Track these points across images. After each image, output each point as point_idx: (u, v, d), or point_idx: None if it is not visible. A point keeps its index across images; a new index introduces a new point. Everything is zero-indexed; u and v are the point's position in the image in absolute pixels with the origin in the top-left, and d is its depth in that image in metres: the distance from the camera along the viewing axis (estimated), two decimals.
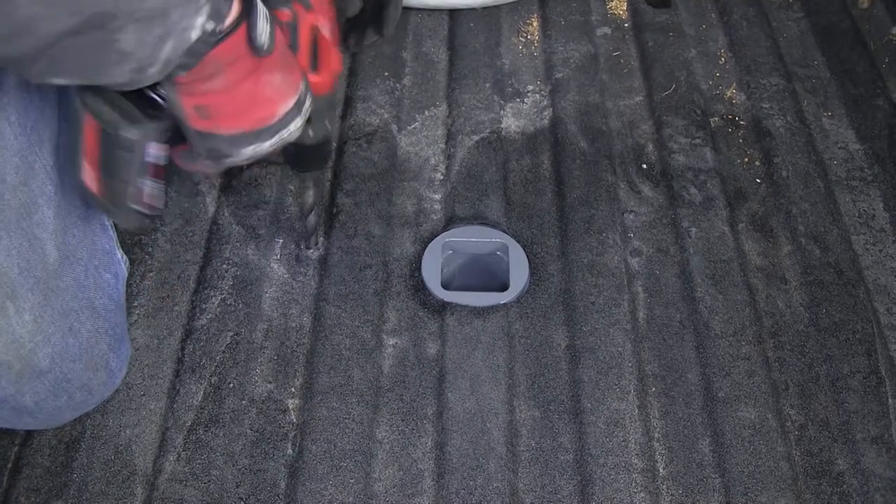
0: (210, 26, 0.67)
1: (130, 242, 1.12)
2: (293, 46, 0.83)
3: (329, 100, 0.92)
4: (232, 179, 1.21)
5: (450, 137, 1.28)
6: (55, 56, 0.60)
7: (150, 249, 1.12)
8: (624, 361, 1.03)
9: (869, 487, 0.95)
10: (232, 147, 0.78)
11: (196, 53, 0.68)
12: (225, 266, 1.11)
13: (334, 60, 0.89)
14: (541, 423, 0.99)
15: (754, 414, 0.99)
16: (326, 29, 0.88)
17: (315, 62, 0.87)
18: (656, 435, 0.98)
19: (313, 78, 0.86)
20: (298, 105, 0.80)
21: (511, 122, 1.31)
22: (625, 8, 1.51)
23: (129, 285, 1.08)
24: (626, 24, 1.48)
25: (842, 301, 1.10)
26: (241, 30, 0.71)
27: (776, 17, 1.51)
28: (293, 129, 0.81)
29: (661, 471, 0.96)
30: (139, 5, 0.59)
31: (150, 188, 0.80)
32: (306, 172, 1.03)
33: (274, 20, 0.75)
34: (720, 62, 1.43)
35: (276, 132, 0.79)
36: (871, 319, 1.08)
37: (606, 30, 1.47)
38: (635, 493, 0.93)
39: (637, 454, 0.96)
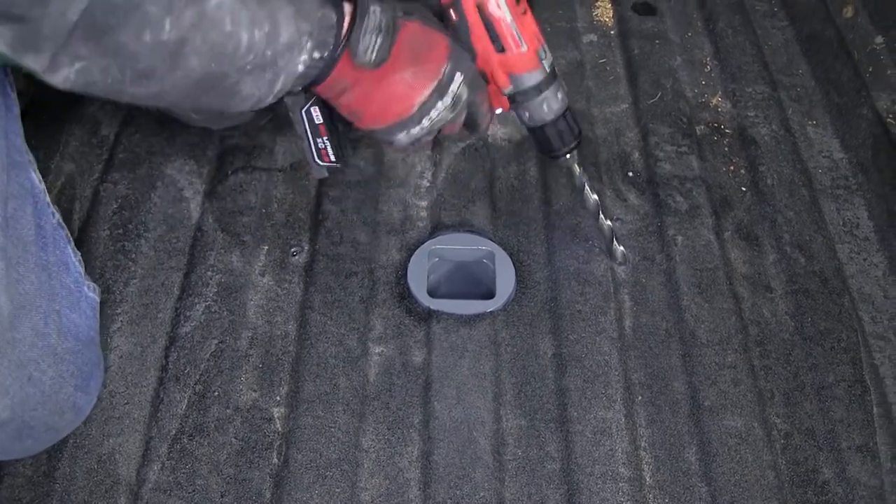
0: (316, 55, 0.81)
1: (113, 249, 1.11)
2: (461, 30, 0.92)
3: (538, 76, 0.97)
4: (217, 185, 1.20)
5: (436, 144, 1.28)
6: (193, 101, 0.77)
7: (133, 256, 1.11)
8: (610, 370, 1.03)
9: (854, 496, 0.95)
10: (387, 135, 0.92)
11: (307, 77, 0.83)
12: (209, 273, 1.10)
13: (527, 31, 0.94)
14: (527, 432, 0.98)
15: (740, 422, 1.00)
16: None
17: (499, 41, 0.93)
18: (643, 444, 0.98)
19: (502, 57, 0.94)
20: (439, 90, 0.89)
21: (497, 129, 1.30)
22: (611, 15, 1.52)
23: (111, 292, 1.07)
24: (611, 32, 1.49)
25: (827, 310, 1.11)
26: (345, 55, 0.84)
27: (761, 26, 1.52)
28: (440, 110, 0.90)
29: (647, 480, 0.96)
30: (244, 62, 0.75)
31: (322, 144, 0.98)
32: (560, 158, 1.05)
33: (390, 27, 0.84)
34: (706, 70, 1.43)
35: (419, 120, 0.90)
36: (855, 328, 1.09)
37: (592, 37, 1.47)
38: (622, 502, 0.93)
39: (624, 463, 0.96)
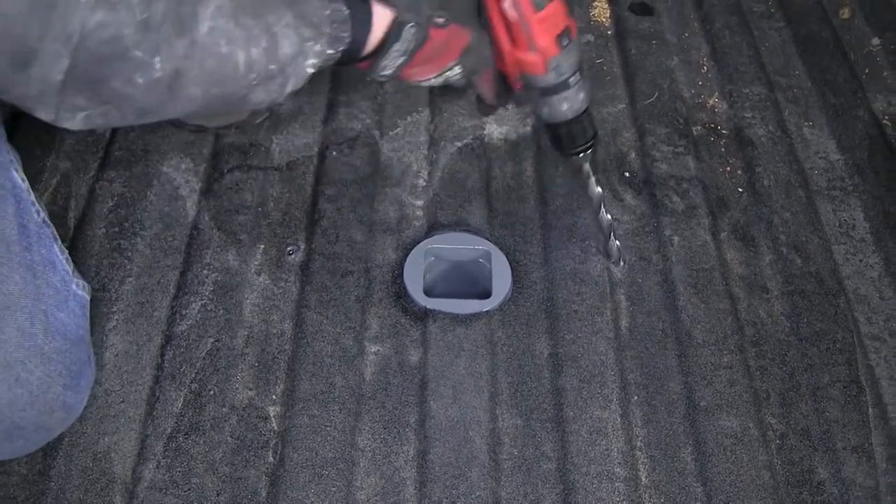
0: (330, 51, 0.83)
1: (109, 248, 1.11)
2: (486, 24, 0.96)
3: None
4: (213, 184, 1.20)
5: (432, 143, 1.28)
6: (204, 115, 0.82)
7: (129, 254, 1.10)
8: (606, 370, 1.03)
9: (849, 496, 0.95)
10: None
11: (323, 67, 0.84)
12: (205, 272, 1.10)
13: (544, 36, 0.95)
14: (523, 432, 0.98)
15: (736, 423, 1.00)
16: None
17: (513, 40, 0.96)
18: (638, 444, 0.98)
19: (515, 55, 0.96)
20: (438, 76, 0.97)
21: (494, 129, 1.30)
22: (608, 15, 1.51)
23: (107, 290, 1.07)
24: (608, 32, 1.49)
25: (822, 310, 1.11)
26: (364, 64, 0.89)
27: (758, 27, 1.52)
28: (434, 82, 0.99)
29: (643, 480, 0.96)
30: (248, 80, 0.76)
31: None
32: (573, 157, 1.05)
33: (417, 47, 0.90)
34: (702, 71, 1.43)
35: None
36: (851, 329, 1.09)
37: (589, 37, 1.47)
38: (618, 501, 0.93)
39: (619, 463, 0.96)
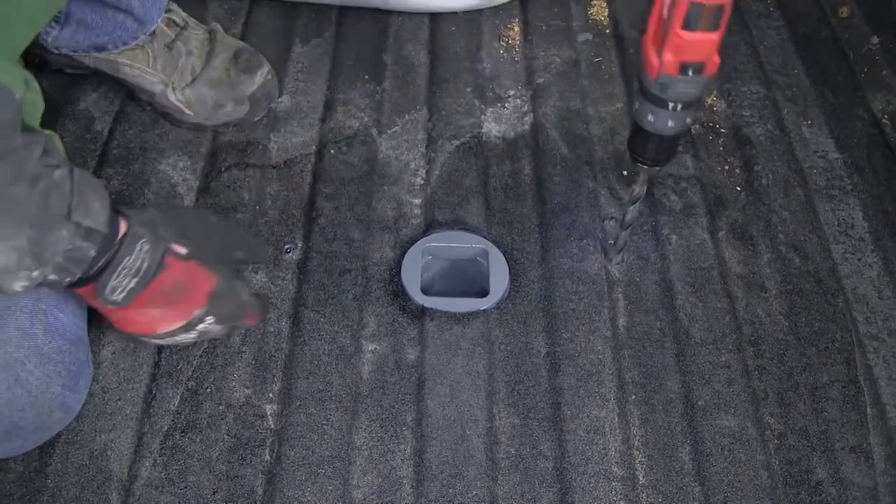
0: (52, 278, 0.75)
1: None
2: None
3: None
4: (210, 182, 1.19)
5: (430, 142, 1.28)
6: None
7: None
8: (604, 369, 1.03)
9: (847, 497, 0.95)
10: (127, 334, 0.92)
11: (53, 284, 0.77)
12: None
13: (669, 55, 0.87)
14: (520, 431, 0.98)
15: (734, 422, 0.99)
16: None
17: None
18: (636, 443, 0.98)
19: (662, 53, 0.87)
20: (186, 327, 0.89)
21: (492, 127, 1.30)
22: (606, 14, 1.51)
23: None
24: (607, 31, 1.48)
25: (821, 310, 1.10)
26: (91, 286, 0.80)
27: (756, 26, 1.52)
28: (183, 337, 0.91)
29: (640, 479, 0.95)
30: None
31: None
32: (637, 164, 1.00)
33: (150, 270, 0.81)
34: None
35: (162, 337, 0.90)
36: (849, 328, 1.09)
37: (588, 35, 1.47)
38: (615, 501, 0.93)
39: (617, 462, 0.96)
